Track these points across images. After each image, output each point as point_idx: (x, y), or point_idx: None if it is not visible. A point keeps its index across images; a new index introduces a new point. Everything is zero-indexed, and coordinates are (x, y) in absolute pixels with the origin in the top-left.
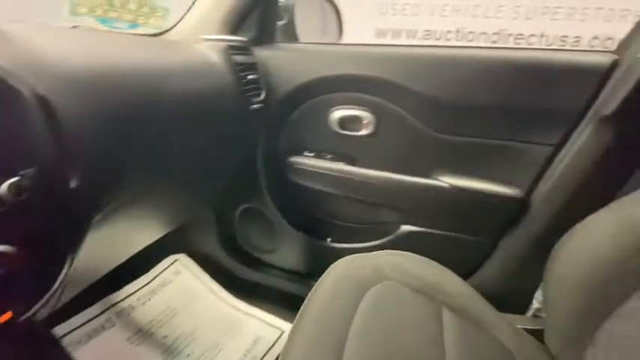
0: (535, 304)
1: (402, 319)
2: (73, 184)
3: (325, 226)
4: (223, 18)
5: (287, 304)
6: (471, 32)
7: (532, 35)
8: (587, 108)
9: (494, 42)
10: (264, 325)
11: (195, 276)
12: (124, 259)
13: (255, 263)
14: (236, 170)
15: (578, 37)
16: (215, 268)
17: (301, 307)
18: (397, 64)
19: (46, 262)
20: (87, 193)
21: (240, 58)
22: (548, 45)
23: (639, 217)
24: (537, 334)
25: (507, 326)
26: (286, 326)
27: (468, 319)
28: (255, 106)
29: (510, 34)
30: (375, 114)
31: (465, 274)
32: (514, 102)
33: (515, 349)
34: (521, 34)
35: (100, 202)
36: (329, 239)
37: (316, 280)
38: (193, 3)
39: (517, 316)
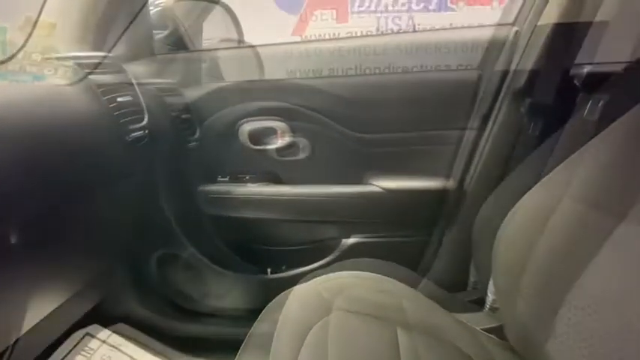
0: (472, 278)
1: (353, 353)
2: None
3: (259, 256)
4: (77, 33)
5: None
6: (367, 68)
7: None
8: (472, 111)
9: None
10: None
11: (114, 348)
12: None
13: (187, 315)
14: (139, 214)
15: (448, 65)
16: (139, 331)
17: (237, 354)
18: (313, 92)
19: None
20: None
21: (105, 78)
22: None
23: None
24: (498, 332)
25: (465, 330)
26: None
27: (425, 333)
28: (135, 134)
29: (398, 67)
30: (290, 122)
31: (412, 267)
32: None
33: (474, 353)
34: (406, 67)
35: None
36: (269, 270)
37: (253, 315)
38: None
39: (475, 315)
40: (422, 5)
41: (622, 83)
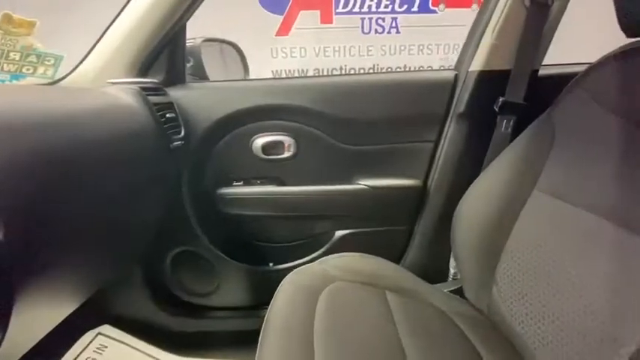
0: (452, 269)
1: (356, 310)
2: None
3: (264, 251)
4: (130, 61)
5: (239, 343)
6: (352, 68)
7: (398, 67)
8: (448, 110)
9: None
10: None
11: (126, 346)
12: (33, 343)
13: (196, 311)
14: (163, 213)
15: (430, 65)
16: (150, 330)
17: (263, 323)
18: (302, 92)
19: None
20: None
21: (155, 99)
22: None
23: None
24: (460, 292)
25: (438, 292)
26: None
27: (407, 295)
28: (176, 143)
29: (382, 68)
30: (294, 137)
31: (396, 259)
32: (398, 113)
33: (446, 309)
34: (390, 67)
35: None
36: (271, 264)
37: (265, 310)
38: (92, 48)
39: (443, 284)
40: (405, 7)
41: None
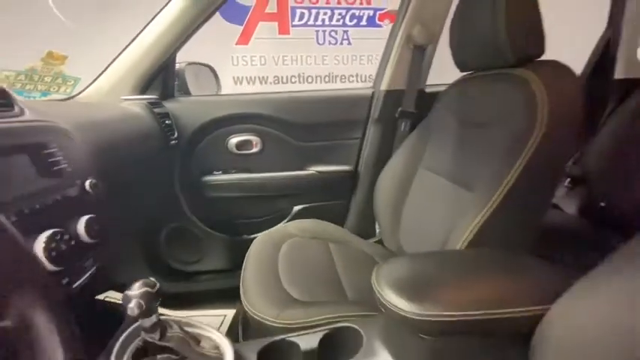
0: (377, 229)
1: (307, 254)
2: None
3: (240, 225)
4: (136, 81)
5: (223, 297)
6: (309, 76)
7: (350, 75)
8: (368, 117)
9: (326, 82)
10: (210, 319)
11: None
12: None
13: (187, 275)
14: (160, 197)
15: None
16: None
17: (243, 266)
18: (265, 103)
19: None
20: None
21: (156, 110)
22: (362, 81)
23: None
24: (381, 242)
25: (366, 243)
26: (228, 312)
27: (344, 244)
28: (172, 142)
29: (336, 75)
30: (260, 136)
31: (340, 224)
32: (335, 118)
33: (372, 252)
34: (344, 75)
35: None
36: (245, 235)
37: (240, 270)
38: (102, 72)
39: (371, 238)
40: (354, 21)
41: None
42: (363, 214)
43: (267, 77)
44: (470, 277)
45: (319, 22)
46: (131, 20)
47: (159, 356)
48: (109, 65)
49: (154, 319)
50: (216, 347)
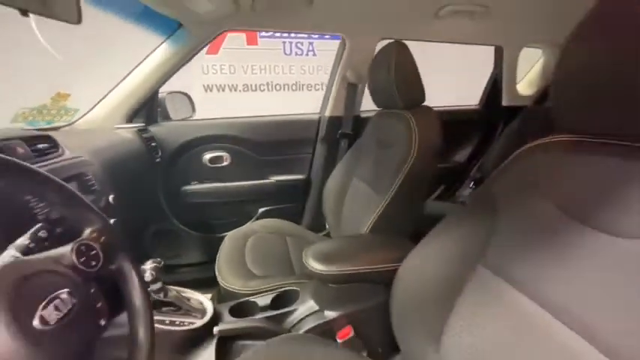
0: (326, 225)
1: (268, 244)
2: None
3: (213, 225)
4: (125, 111)
5: (198, 285)
6: (277, 84)
7: (316, 84)
8: (317, 136)
9: (294, 90)
10: None
11: None
12: None
13: (169, 268)
14: (143, 204)
15: None
16: None
17: (217, 255)
18: (233, 125)
19: None
20: None
21: (144, 135)
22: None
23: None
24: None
25: (317, 236)
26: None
27: (299, 237)
28: (157, 160)
29: (303, 84)
30: (229, 152)
31: (297, 222)
32: (291, 137)
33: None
34: (310, 84)
35: None
36: (218, 233)
37: (214, 262)
38: (97, 103)
39: (321, 233)
40: (319, 34)
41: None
42: (315, 212)
43: (237, 85)
44: (357, 248)
45: (285, 34)
46: (119, 55)
47: (164, 308)
48: (101, 99)
49: (159, 284)
50: (201, 303)
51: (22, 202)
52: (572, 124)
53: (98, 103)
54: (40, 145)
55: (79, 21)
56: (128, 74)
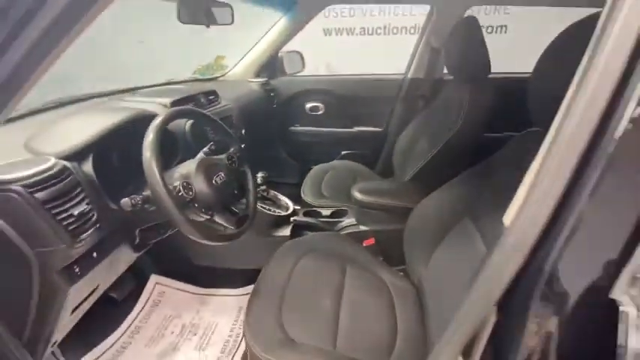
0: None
1: (340, 179)
2: None
3: (306, 158)
4: (256, 69)
5: (288, 196)
6: (395, 27)
7: None
8: (398, 94)
9: (412, 34)
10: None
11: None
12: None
13: (269, 182)
14: (262, 137)
15: None
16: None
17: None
18: (328, 82)
19: None
20: None
21: (266, 87)
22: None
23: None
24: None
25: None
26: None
27: (365, 179)
28: (274, 106)
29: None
30: (323, 103)
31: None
32: (374, 94)
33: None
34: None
35: None
36: (307, 164)
37: (301, 183)
38: (238, 62)
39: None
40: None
41: None
42: (386, 161)
43: (354, 29)
44: (388, 189)
45: None
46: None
47: (266, 201)
48: (239, 60)
49: (264, 187)
50: (287, 203)
51: (203, 131)
52: None
53: (238, 62)
54: (211, 97)
55: (232, 22)
56: (256, 43)
